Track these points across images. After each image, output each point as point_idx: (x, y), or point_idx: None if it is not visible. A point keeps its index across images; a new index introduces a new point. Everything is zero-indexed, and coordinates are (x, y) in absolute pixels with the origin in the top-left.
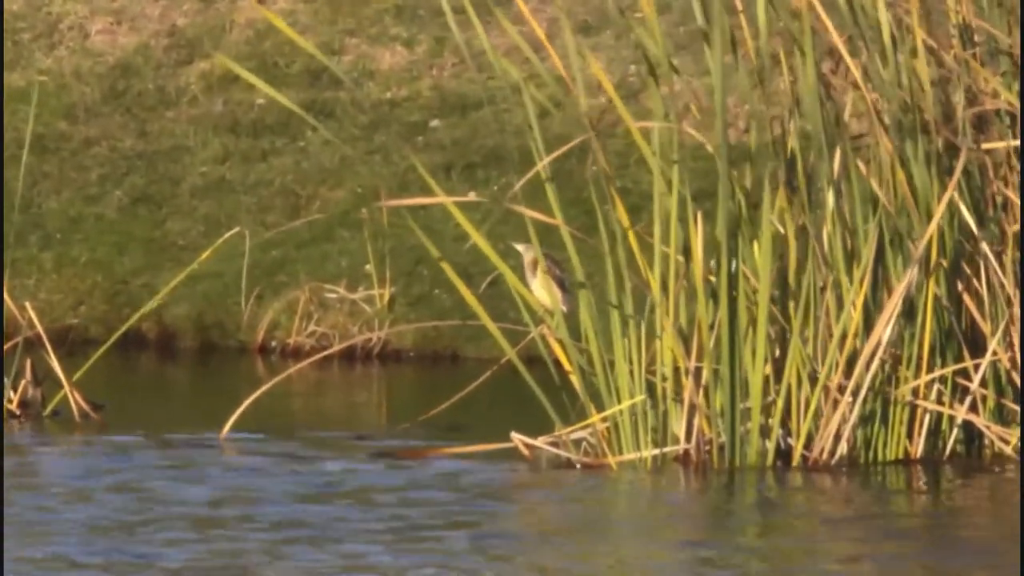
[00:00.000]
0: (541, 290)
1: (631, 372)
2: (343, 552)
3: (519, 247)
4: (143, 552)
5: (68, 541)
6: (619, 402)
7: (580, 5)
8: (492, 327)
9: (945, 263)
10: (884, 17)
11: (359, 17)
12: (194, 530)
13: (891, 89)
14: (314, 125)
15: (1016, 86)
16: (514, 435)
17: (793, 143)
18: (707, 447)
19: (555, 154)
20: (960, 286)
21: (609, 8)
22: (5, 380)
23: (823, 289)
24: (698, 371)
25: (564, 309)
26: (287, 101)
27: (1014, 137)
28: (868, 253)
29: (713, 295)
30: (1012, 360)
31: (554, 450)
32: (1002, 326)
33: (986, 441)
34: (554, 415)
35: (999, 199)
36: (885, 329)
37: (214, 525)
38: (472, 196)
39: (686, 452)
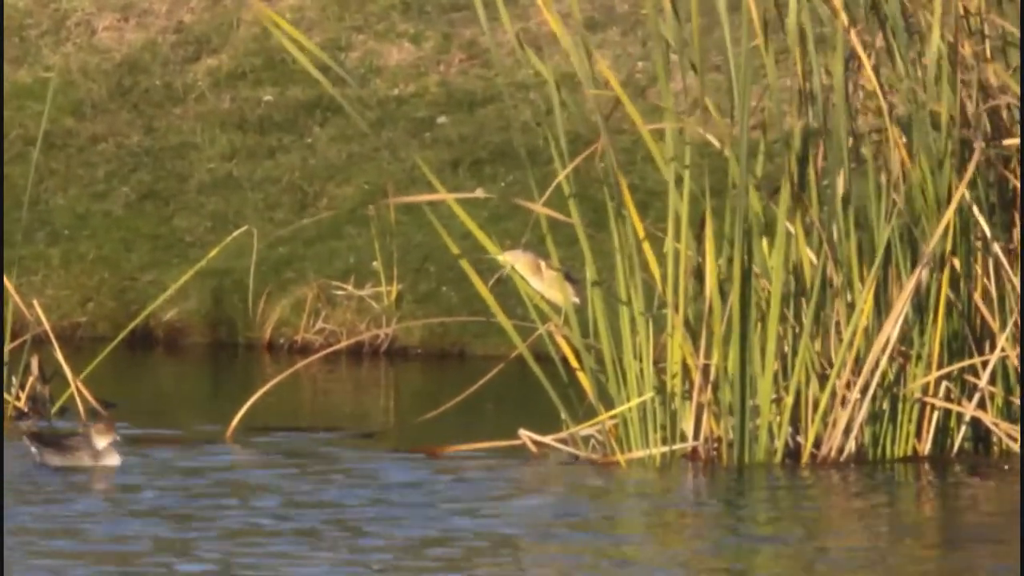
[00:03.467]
0: (551, 288)
1: (640, 369)
2: (353, 548)
3: (506, 256)
4: (142, 551)
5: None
6: (628, 399)
7: (587, 1)
8: (505, 321)
9: (956, 261)
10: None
11: (366, 13)
12: (194, 529)
13: (907, 85)
14: (338, 106)
15: None
16: (522, 432)
17: (806, 140)
18: (716, 445)
19: (582, 156)
20: (970, 283)
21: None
22: (13, 379)
23: (833, 286)
24: (707, 368)
25: (577, 301)
26: (317, 49)
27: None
28: (879, 251)
29: (723, 292)
30: (1020, 356)
31: (563, 447)
32: (1011, 323)
33: (994, 438)
34: (563, 412)
35: (1010, 196)
36: (894, 327)
37: (215, 522)
38: (480, 192)
39: (695, 450)
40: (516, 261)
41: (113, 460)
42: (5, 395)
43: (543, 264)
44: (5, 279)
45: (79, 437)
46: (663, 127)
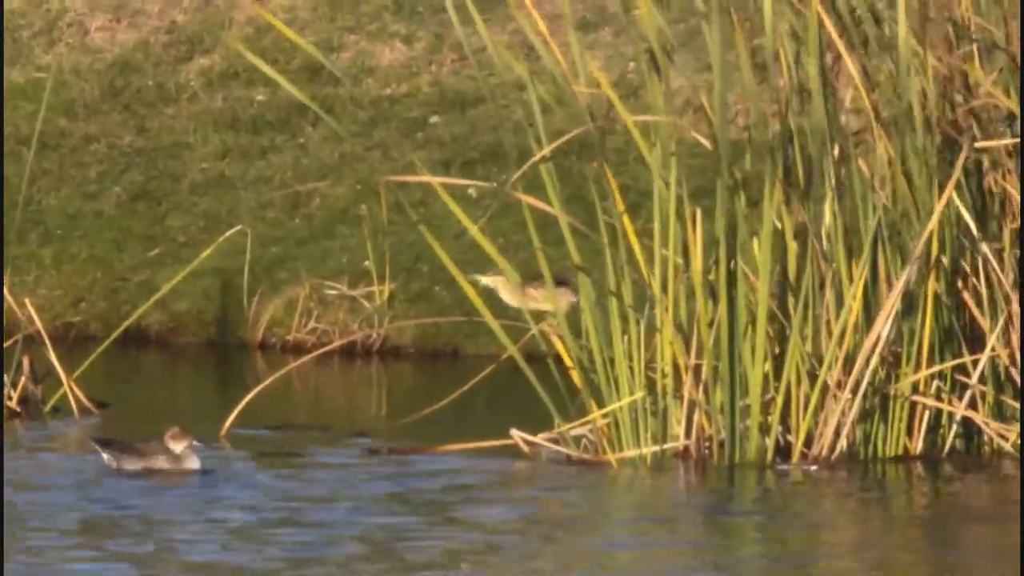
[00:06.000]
0: (547, 302)
1: (631, 369)
2: (344, 548)
3: (487, 280)
4: (139, 551)
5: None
6: (619, 399)
7: (579, 2)
8: (493, 323)
9: (945, 260)
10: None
11: (358, 14)
12: (189, 530)
13: (896, 86)
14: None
15: (1014, 83)
16: (514, 432)
17: (792, 140)
18: (707, 444)
19: (557, 143)
20: (959, 283)
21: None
22: (5, 378)
23: (822, 286)
24: (698, 368)
25: (575, 300)
26: (311, 47)
27: (1012, 134)
28: (867, 250)
29: (712, 292)
30: (1011, 356)
31: (554, 447)
32: (1001, 322)
33: (985, 437)
34: (554, 412)
35: (998, 196)
36: (884, 325)
37: (212, 523)
38: (472, 190)
39: (686, 449)
40: (498, 286)
41: (193, 463)
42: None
43: (529, 289)
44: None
45: (154, 442)
46: (649, 119)
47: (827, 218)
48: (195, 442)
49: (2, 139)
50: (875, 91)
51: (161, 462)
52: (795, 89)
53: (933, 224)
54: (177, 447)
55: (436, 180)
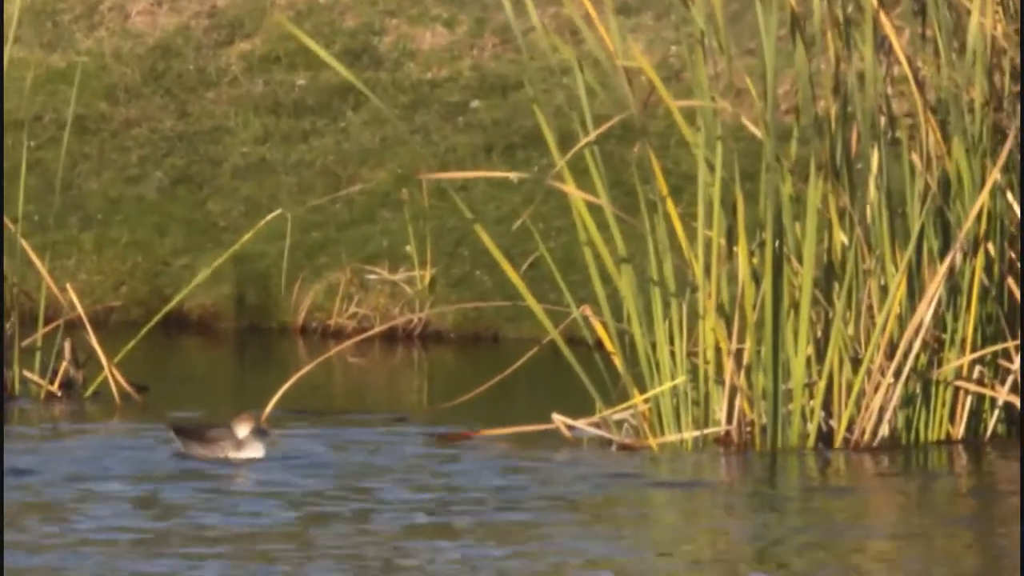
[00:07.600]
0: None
1: (672, 353)
2: (381, 532)
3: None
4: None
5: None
6: (660, 383)
7: None
8: (536, 306)
9: (990, 245)
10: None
11: None
12: (234, 511)
13: (953, 69)
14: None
15: None
16: (555, 416)
17: (839, 123)
18: (748, 429)
19: (600, 129)
20: (1003, 268)
21: None
22: (35, 362)
23: (866, 271)
24: (740, 353)
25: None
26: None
27: None
28: (912, 235)
29: (756, 276)
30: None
31: (595, 431)
32: None
33: None
34: (596, 396)
35: None
36: (927, 310)
37: (252, 503)
38: (513, 176)
39: (727, 434)
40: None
41: (256, 451)
42: (39, 379)
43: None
44: (38, 263)
45: (222, 428)
46: (694, 104)
47: (872, 202)
48: (266, 429)
49: (2, 127)
50: (934, 73)
51: (226, 448)
52: (843, 71)
53: (980, 205)
54: (242, 434)
55: (472, 175)
